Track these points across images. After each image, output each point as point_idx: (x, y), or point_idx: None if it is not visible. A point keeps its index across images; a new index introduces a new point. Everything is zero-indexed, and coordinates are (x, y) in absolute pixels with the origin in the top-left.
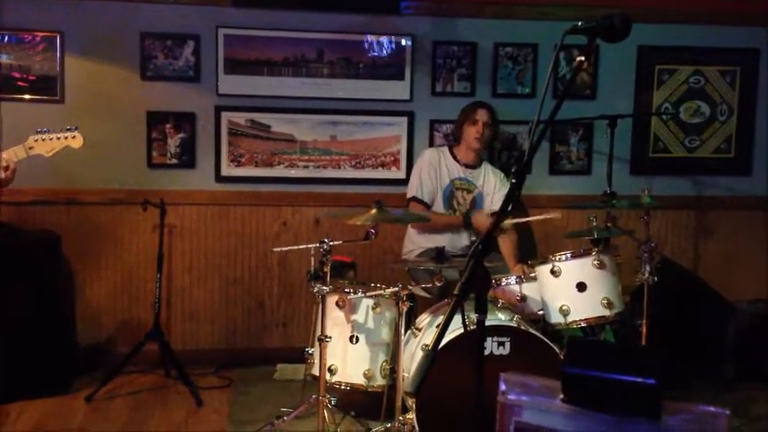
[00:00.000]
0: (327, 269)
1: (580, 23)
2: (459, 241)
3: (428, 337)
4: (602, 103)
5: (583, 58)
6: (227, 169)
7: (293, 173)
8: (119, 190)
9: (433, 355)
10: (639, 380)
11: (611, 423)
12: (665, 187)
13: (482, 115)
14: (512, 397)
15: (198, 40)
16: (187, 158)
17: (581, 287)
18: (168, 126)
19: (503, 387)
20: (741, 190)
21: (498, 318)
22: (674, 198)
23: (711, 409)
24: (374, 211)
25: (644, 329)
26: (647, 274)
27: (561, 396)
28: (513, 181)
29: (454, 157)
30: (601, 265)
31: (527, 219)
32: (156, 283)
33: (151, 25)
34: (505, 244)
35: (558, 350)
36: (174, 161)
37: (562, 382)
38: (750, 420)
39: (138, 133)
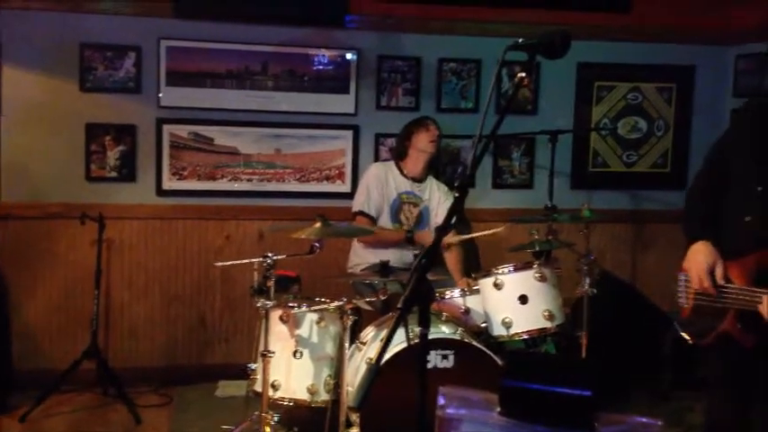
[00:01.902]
0: (271, 284)
1: (521, 40)
2: (404, 255)
3: (372, 351)
4: (544, 118)
5: (524, 75)
6: (169, 183)
7: (237, 186)
8: (56, 204)
9: (376, 370)
10: (575, 392)
11: None
12: (604, 201)
13: (432, 126)
14: (450, 411)
15: (139, 52)
16: (127, 172)
17: (523, 300)
18: (108, 138)
19: (441, 401)
20: (677, 204)
21: (442, 331)
22: (612, 212)
23: (644, 420)
24: (318, 224)
25: (584, 341)
26: (586, 287)
27: (499, 409)
28: (456, 195)
29: (401, 172)
30: (542, 278)
31: (471, 235)
32: (93, 300)
33: (91, 36)
34: (450, 257)
35: (500, 362)
36: (114, 174)
37: (499, 395)
38: (686, 430)
39: (76, 146)
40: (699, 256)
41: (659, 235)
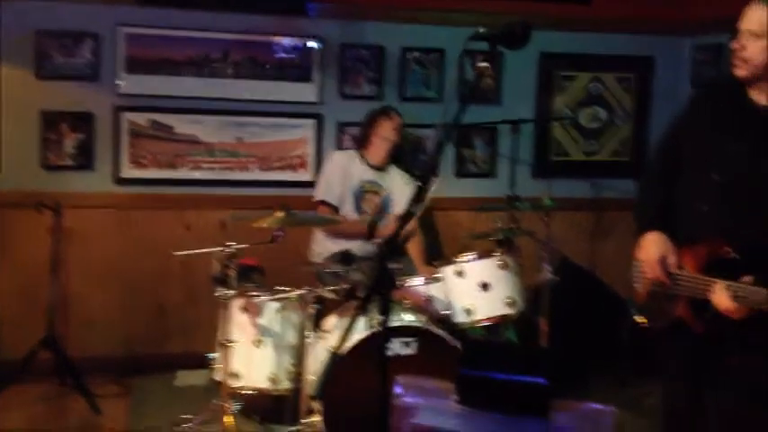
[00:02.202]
0: (232, 273)
1: (482, 30)
2: (367, 244)
3: (335, 340)
4: (506, 107)
5: (485, 65)
6: (128, 171)
7: (197, 175)
8: (12, 192)
9: (336, 359)
10: (530, 380)
11: (503, 422)
12: (565, 190)
13: (395, 115)
14: (407, 400)
15: (97, 39)
16: (84, 160)
17: (485, 287)
18: (65, 126)
19: (398, 390)
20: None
21: (404, 319)
22: (573, 200)
23: (598, 406)
24: (280, 213)
25: (544, 327)
26: (547, 274)
27: (455, 397)
28: (419, 184)
29: (363, 160)
30: (504, 266)
31: (421, 205)
32: (50, 289)
33: (47, 23)
34: (413, 246)
35: (462, 349)
36: (71, 163)
37: (456, 383)
38: (645, 414)
39: (32, 134)
40: (651, 247)
41: (618, 223)
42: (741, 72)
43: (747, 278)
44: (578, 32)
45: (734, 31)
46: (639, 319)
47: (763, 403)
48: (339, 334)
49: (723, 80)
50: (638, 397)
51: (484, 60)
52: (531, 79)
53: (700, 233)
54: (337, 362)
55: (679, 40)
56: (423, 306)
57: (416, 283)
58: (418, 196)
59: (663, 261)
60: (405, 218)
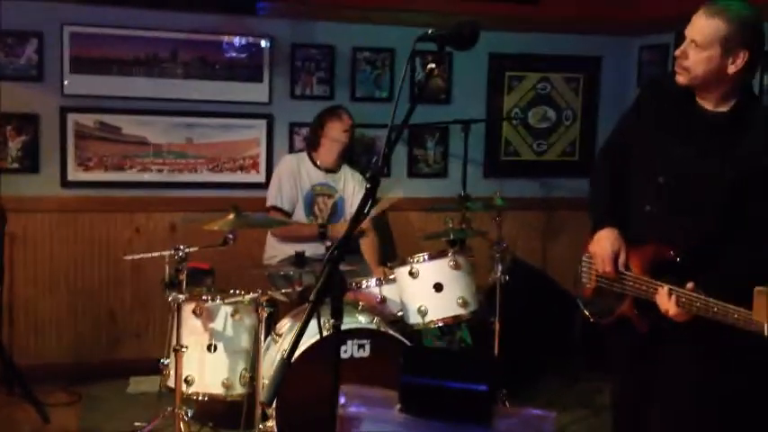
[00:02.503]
0: (183, 277)
1: (430, 31)
2: (320, 246)
3: (288, 343)
4: (457, 107)
5: (433, 65)
6: (75, 174)
7: (146, 177)
8: None
9: (287, 364)
10: (471, 387)
11: (446, 430)
12: (516, 189)
13: (345, 115)
14: (351, 409)
15: (41, 38)
16: (30, 163)
17: (438, 287)
18: (9, 128)
19: (342, 400)
20: (585, 191)
21: (358, 321)
22: (524, 200)
23: (539, 412)
24: (232, 216)
25: (497, 327)
26: (499, 274)
27: (399, 406)
28: (368, 186)
29: (313, 163)
30: (456, 266)
31: (376, 211)
32: None
33: None
34: (366, 247)
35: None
36: (16, 165)
37: (399, 392)
38: (596, 411)
39: None
40: (604, 242)
41: (568, 222)
42: (681, 79)
43: (690, 285)
44: (527, 33)
45: (680, 34)
46: (586, 313)
47: (707, 396)
48: (290, 338)
49: (668, 80)
50: (589, 393)
51: (432, 61)
52: (481, 79)
53: (644, 234)
54: (287, 367)
55: (626, 41)
56: (376, 308)
57: (370, 284)
58: (368, 197)
59: (615, 257)
60: (356, 220)
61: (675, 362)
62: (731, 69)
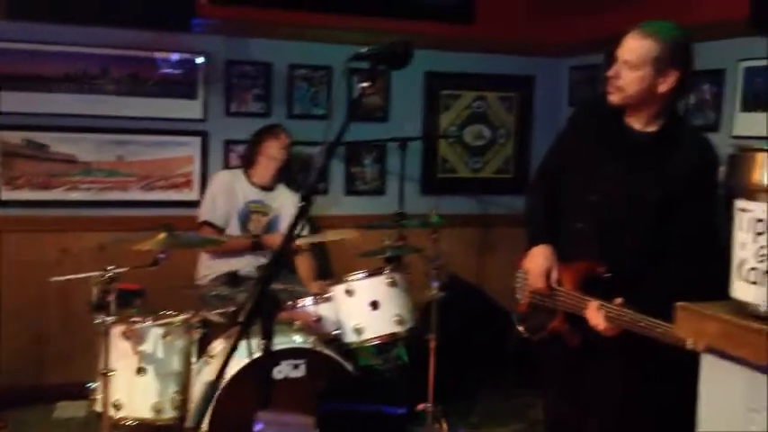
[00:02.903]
0: (112, 298)
1: (364, 50)
2: (254, 264)
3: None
4: (394, 125)
5: (366, 84)
6: (1, 192)
7: (75, 196)
8: None
9: (214, 387)
10: (389, 410)
11: None
12: (452, 206)
13: (283, 133)
14: None
15: None
16: None
17: (374, 305)
18: None
19: (258, 426)
20: (520, 208)
21: (293, 340)
22: (460, 216)
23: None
24: (163, 235)
25: (433, 344)
26: (435, 291)
27: (317, 431)
28: (302, 204)
29: (249, 180)
30: (393, 284)
31: (322, 239)
32: None
33: None
34: (302, 265)
35: (352, 369)
36: None
37: (316, 417)
38: (529, 425)
39: None
40: (538, 259)
41: (504, 238)
42: (614, 99)
43: (619, 300)
44: (462, 52)
45: (609, 55)
46: (520, 328)
47: (638, 409)
48: (218, 361)
49: (601, 101)
50: (523, 408)
51: (366, 80)
52: (417, 98)
53: (575, 251)
54: (214, 391)
55: (557, 61)
56: (312, 326)
57: (306, 303)
58: (300, 216)
59: (547, 273)
60: (288, 239)
61: (605, 375)
62: (662, 89)
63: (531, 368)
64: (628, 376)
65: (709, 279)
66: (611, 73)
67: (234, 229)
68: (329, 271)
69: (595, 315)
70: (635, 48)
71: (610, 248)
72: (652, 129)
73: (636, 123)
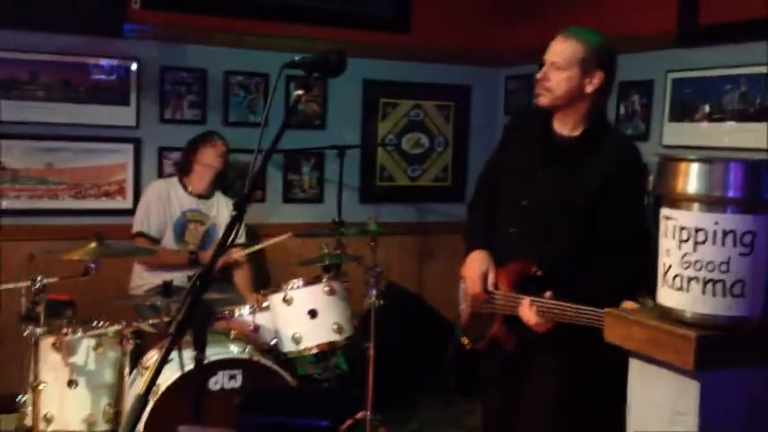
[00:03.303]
0: (41, 309)
1: (297, 58)
2: (189, 275)
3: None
4: (332, 133)
5: (301, 92)
6: None
7: (2, 204)
8: None
9: (144, 400)
10: (313, 422)
11: None
12: (391, 214)
13: (219, 141)
14: None
15: None
16: None
17: (312, 314)
18: None
19: None
20: (457, 215)
21: (230, 350)
22: (399, 224)
23: None
24: (94, 244)
25: (371, 352)
26: (373, 298)
27: None
28: (234, 213)
29: (185, 188)
30: (331, 292)
31: (257, 246)
32: None
33: None
34: (239, 274)
35: (289, 379)
36: None
37: (237, 429)
38: (468, 431)
39: None
40: (474, 264)
41: (442, 245)
42: (543, 101)
43: (548, 293)
44: (400, 61)
45: (542, 65)
46: (464, 340)
47: (574, 403)
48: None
49: (533, 109)
50: (462, 414)
51: (300, 87)
52: (355, 105)
53: (510, 255)
54: (144, 403)
55: (493, 71)
56: (249, 336)
57: (243, 312)
58: (232, 226)
59: (484, 278)
60: (221, 248)
61: (541, 372)
62: (589, 89)
63: (469, 375)
64: (563, 377)
65: (636, 276)
66: (539, 75)
67: (169, 239)
68: (267, 280)
69: (527, 311)
70: (562, 50)
71: (539, 251)
72: (577, 133)
73: (563, 128)
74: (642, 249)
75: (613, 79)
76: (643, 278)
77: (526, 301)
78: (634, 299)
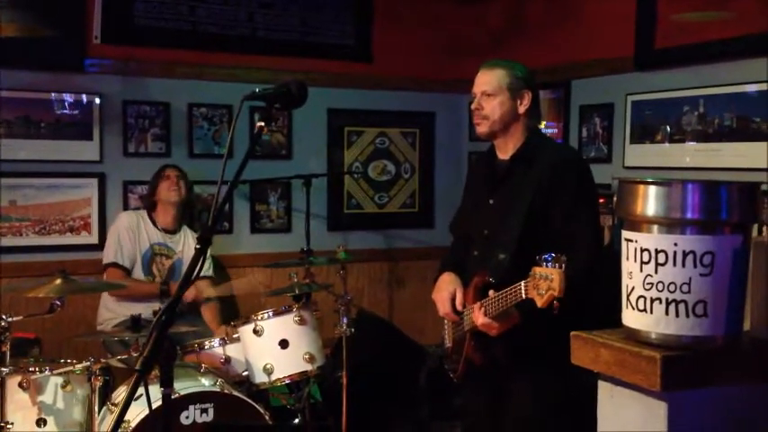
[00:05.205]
0: (6, 348)
1: (258, 90)
2: (158, 308)
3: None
4: (298, 162)
5: (262, 123)
6: None
7: None
8: None
9: None
10: None
11: None
12: (359, 241)
13: (171, 171)
14: None
15: None
16: None
17: (283, 344)
18: None
19: None
20: (425, 241)
21: (201, 383)
22: (368, 251)
23: None
24: (59, 281)
25: (344, 380)
26: (344, 327)
27: None
28: (198, 246)
29: (153, 223)
30: (302, 321)
31: (227, 292)
32: None
33: None
34: (206, 309)
35: (262, 410)
36: None
37: None
38: None
39: None
40: (442, 285)
41: (411, 271)
42: (482, 129)
43: (491, 292)
44: (363, 89)
45: (472, 96)
46: (451, 376)
47: (546, 406)
48: (132, 406)
49: (488, 149)
50: None
51: (262, 119)
52: (320, 134)
53: (472, 275)
54: None
55: (456, 97)
56: (220, 368)
57: (213, 344)
58: (197, 260)
59: (452, 298)
60: (186, 282)
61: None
62: (521, 109)
63: (444, 400)
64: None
65: (583, 270)
66: (474, 106)
67: (138, 271)
68: (236, 311)
69: (479, 315)
70: (489, 80)
71: (495, 266)
72: (512, 154)
73: (504, 154)
74: (592, 245)
75: (538, 96)
76: (590, 273)
77: (476, 305)
78: (579, 294)
